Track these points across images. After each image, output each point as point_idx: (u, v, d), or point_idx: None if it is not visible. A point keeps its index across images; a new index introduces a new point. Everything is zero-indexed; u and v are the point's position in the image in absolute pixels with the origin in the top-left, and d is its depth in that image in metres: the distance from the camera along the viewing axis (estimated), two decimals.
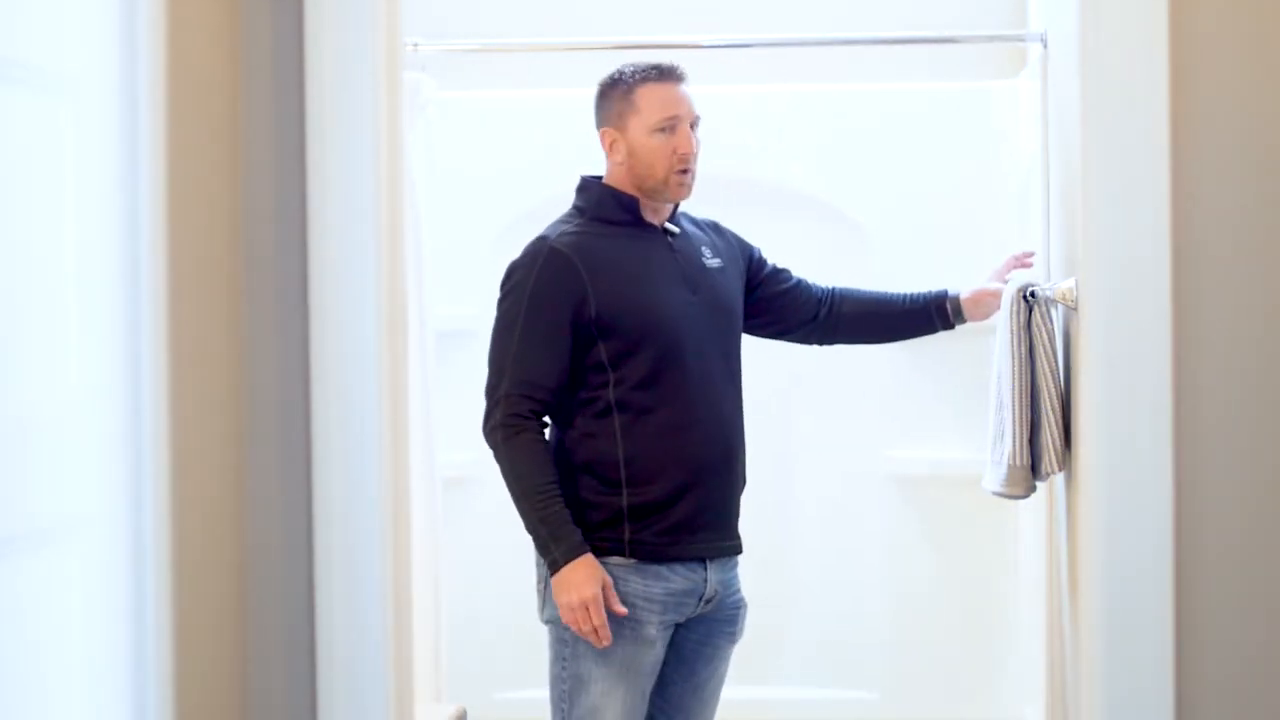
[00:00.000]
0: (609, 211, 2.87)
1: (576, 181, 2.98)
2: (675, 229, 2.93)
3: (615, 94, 2.88)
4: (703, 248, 2.95)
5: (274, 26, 2.37)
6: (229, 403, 2.33)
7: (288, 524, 2.39)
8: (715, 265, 2.94)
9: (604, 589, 2.72)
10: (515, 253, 2.96)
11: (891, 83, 4.11)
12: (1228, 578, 2.35)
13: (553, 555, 2.72)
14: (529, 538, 2.86)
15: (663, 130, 2.84)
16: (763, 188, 4.18)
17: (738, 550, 2.91)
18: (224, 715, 2.32)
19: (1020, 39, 3.67)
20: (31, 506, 1.87)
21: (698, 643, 2.90)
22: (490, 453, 2.82)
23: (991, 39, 3.89)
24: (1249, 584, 2.35)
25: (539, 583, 2.84)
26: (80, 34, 1.98)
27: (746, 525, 4.20)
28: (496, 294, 2.89)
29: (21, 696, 1.85)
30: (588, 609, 2.69)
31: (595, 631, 2.70)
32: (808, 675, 4.20)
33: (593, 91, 2.98)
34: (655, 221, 2.90)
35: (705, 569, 2.84)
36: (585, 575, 2.70)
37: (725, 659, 2.97)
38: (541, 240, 2.83)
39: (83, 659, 1.98)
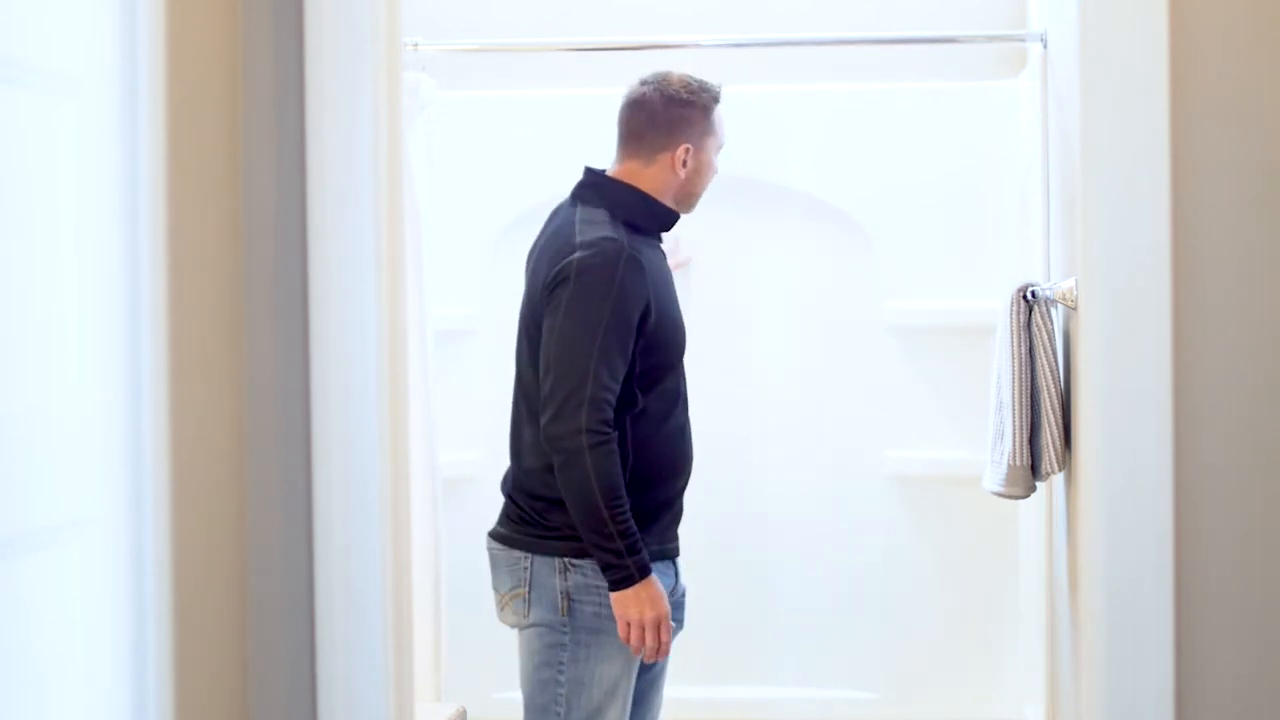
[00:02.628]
0: (644, 220, 2.89)
1: (583, 175, 2.95)
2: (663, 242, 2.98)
3: (695, 113, 2.92)
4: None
5: (274, 26, 2.37)
6: (229, 403, 2.33)
7: (288, 524, 2.39)
8: None
9: None
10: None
11: (891, 83, 4.11)
12: (1228, 577, 2.35)
13: (626, 570, 2.71)
14: None
15: (718, 152, 3.00)
16: (763, 188, 4.18)
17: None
18: (224, 715, 2.32)
19: (1020, 39, 3.68)
20: (32, 507, 1.87)
21: None
22: (560, 454, 2.72)
23: (991, 39, 3.89)
24: (1249, 584, 2.35)
25: (520, 587, 2.83)
26: (80, 34, 1.98)
27: (747, 525, 4.22)
28: (560, 285, 2.76)
29: (21, 696, 1.85)
30: (659, 625, 2.73)
31: (660, 647, 2.74)
32: (808, 675, 4.20)
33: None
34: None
35: (674, 565, 2.93)
36: (658, 592, 2.74)
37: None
38: (614, 242, 2.76)
39: (83, 659, 1.98)
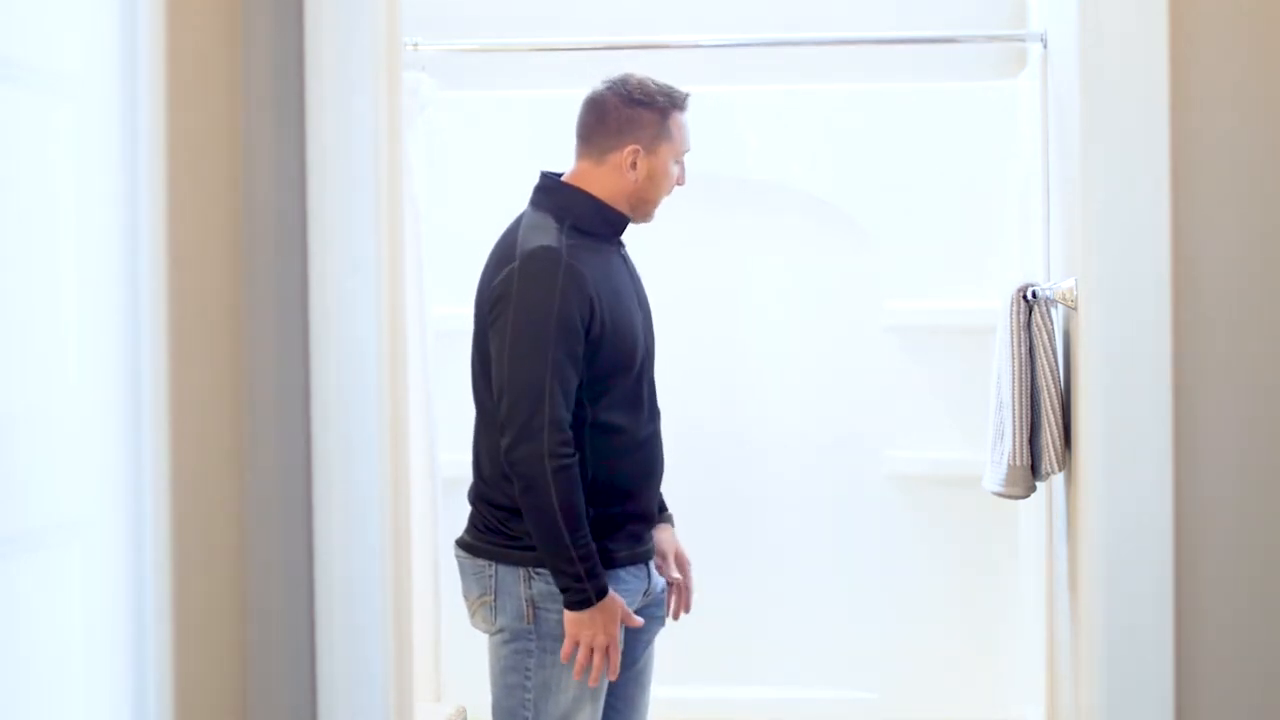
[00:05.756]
0: (592, 224, 2.84)
1: (538, 179, 2.92)
2: (623, 242, 2.94)
3: (649, 115, 2.85)
4: (630, 257, 2.98)
5: (274, 26, 2.37)
6: (229, 403, 2.33)
7: (288, 524, 2.39)
8: (639, 275, 2.97)
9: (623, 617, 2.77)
10: None
11: (891, 83, 4.11)
12: (1228, 578, 2.35)
13: (585, 593, 2.69)
14: None
15: (678, 162, 2.91)
16: (763, 187, 4.18)
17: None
18: (224, 715, 2.32)
19: (1020, 39, 3.68)
20: (31, 507, 1.87)
21: (636, 632, 2.93)
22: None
23: (991, 39, 3.89)
24: (1249, 584, 2.35)
25: (487, 594, 2.82)
26: (80, 34, 1.98)
27: (745, 525, 4.22)
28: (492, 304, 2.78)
29: (22, 696, 1.85)
30: (607, 649, 2.72)
31: (609, 668, 2.74)
32: (808, 675, 4.20)
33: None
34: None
35: (648, 567, 2.91)
36: (612, 616, 2.73)
37: (654, 644, 3.02)
38: (552, 251, 2.72)
39: (83, 659, 1.98)
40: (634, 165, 2.85)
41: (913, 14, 4.05)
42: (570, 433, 2.69)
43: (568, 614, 2.71)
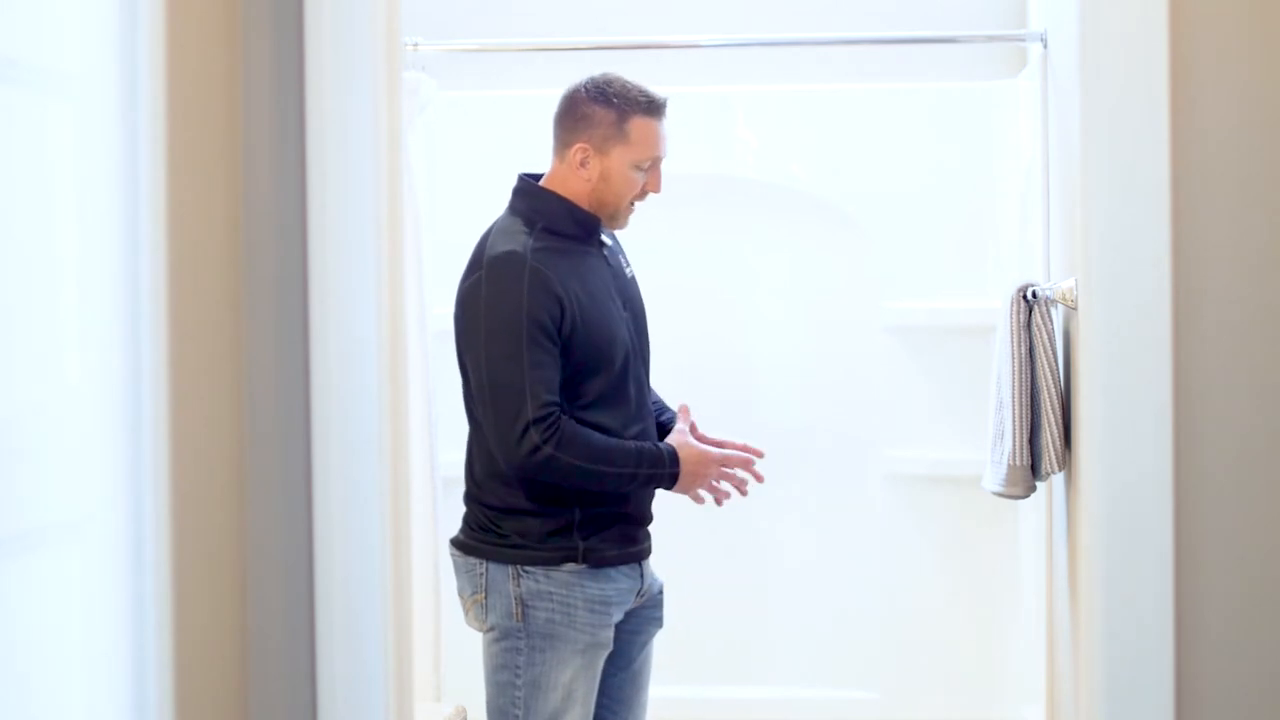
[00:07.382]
0: (563, 226, 2.84)
1: (516, 182, 2.93)
2: (607, 241, 2.94)
3: (604, 115, 2.85)
4: (620, 257, 2.97)
5: (274, 26, 2.37)
6: (229, 403, 2.33)
7: (288, 524, 2.39)
8: (631, 274, 2.97)
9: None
10: None
11: (891, 83, 4.11)
12: (1228, 577, 2.35)
13: (663, 478, 2.81)
14: None
15: (641, 168, 2.87)
16: (762, 187, 4.18)
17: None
18: (224, 715, 2.32)
19: (1020, 39, 3.68)
20: (31, 506, 1.87)
21: (631, 633, 2.94)
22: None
23: (991, 39, 3.89)
24: (1249, 584, 2.35)
25: (479, 592, 2.83)
26: (80, 34, 1.98)
27: (746, 524, 4.22)
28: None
29: (21, 696, 1.85)
30: (721, 469, 2.86)
31: (736, 480, 2.89)
32: (808, 675, 4.20)
33: None
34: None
35: (641, 567, 2.91)
36: (693, 453, 2.85)
37: (652, 644, 3.03)
38: (516, 256, 2.75)
39: (83, 659, 1.98)
40: (583, 163, 2.85)
41: (913, 14, 4.06)
42: (557, 412, 2.71)
43: (674, 490, 2.85)
